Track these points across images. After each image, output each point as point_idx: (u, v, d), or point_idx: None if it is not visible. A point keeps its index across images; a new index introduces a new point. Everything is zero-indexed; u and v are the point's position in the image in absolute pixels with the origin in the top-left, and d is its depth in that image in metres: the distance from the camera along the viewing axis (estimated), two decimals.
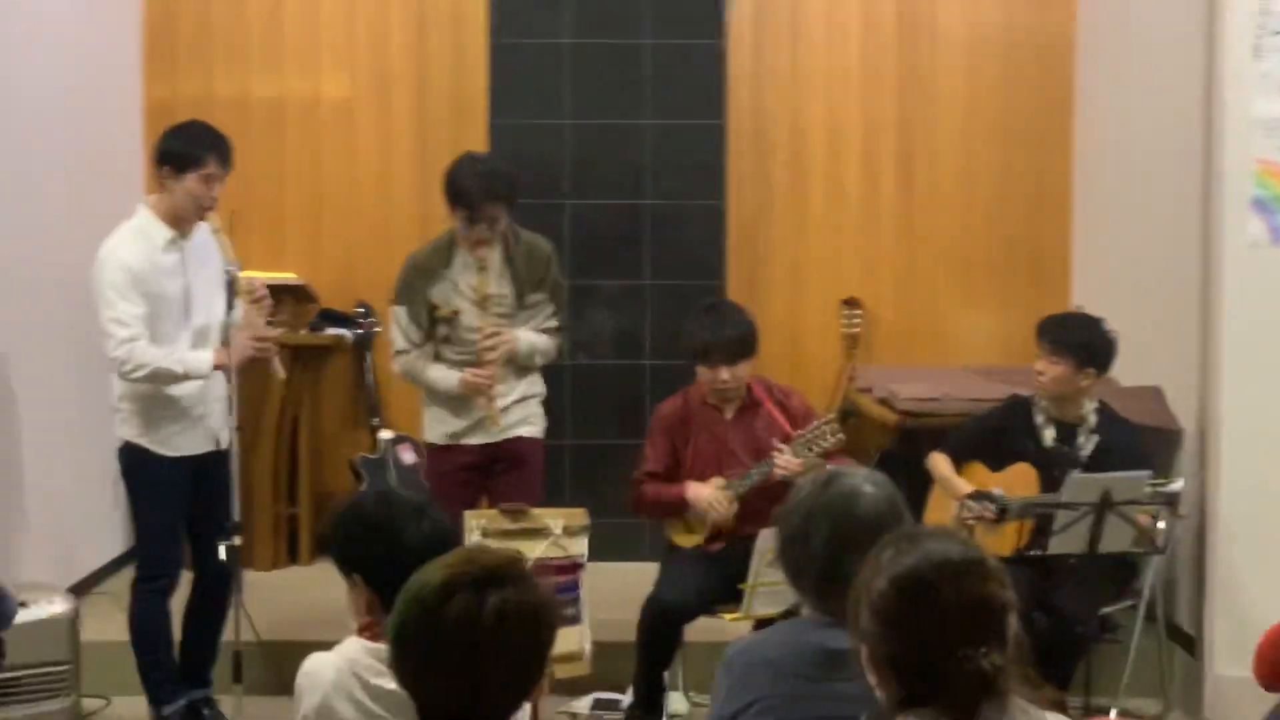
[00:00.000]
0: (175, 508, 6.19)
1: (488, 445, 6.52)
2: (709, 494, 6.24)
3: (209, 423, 6.21)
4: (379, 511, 3.83)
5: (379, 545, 3.73)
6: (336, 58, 8.81)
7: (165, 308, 6.03)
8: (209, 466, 6.22)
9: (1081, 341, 6.36)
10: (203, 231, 6.20)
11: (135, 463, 6.15)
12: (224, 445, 6.24)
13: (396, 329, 6.54)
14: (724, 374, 6.23)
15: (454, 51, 8.77)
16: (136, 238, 6.04)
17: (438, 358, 6.52)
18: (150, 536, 6.23)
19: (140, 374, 5.95)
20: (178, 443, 6.14)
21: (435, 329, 6.48)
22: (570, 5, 8.38)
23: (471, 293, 6.40)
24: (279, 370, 6.32)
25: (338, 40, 8.81)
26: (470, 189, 6.26)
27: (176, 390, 6.07)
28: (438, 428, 6.59)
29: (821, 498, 3.52)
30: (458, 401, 6.48)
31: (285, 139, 8.80)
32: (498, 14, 8.43)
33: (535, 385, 6.66)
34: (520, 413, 6.58)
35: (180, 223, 6.09)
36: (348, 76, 8.82)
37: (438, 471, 6.65)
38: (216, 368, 6.04)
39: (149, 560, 6.25)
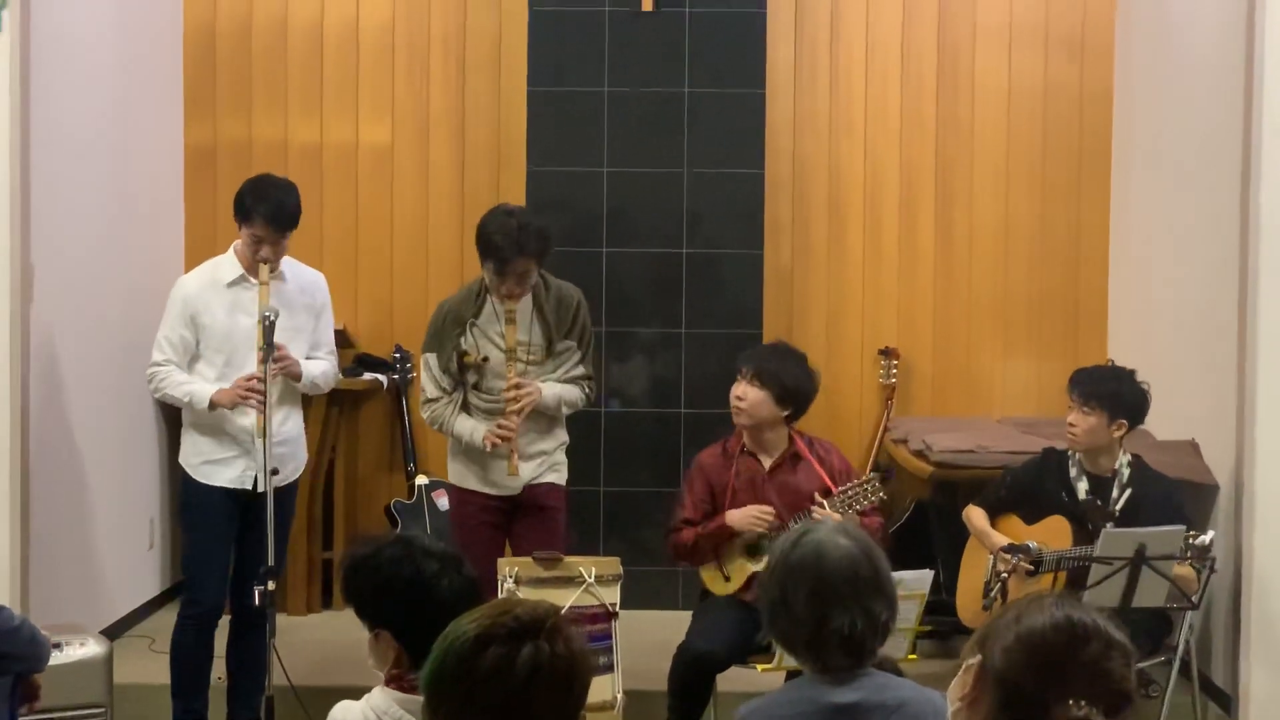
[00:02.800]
0: (212, 537, 6.34)
1: (513, 496, 6.48)
2: (750, 508, 6.22)
3: (249, 462, 6.28)
4: (407, 566, 3.80)
5: (410, 601, 3.73)
6: (376, 103, 8.86)
7: (217, 341, 6.30)
8: (255, 508, 6.29)
9: (1113, 392, 6.36)
10: (298, 279, 6.49)
11: (183, 487, 6.44)
12: (262, 488, 6.25)
13: (427, 376, 6.53)
14: (740, 388, 6.25)
15: (493, 98, 8.81)
16: (208, 270, 6.44)
17: (465, 405, 6.50)
18: (188, 564, 6.46)
19: (157, 396, 6.46)
20: (208, 471, 6.32)
21: (465, 376, 6.48)
22: (609, 53, 8.41)
23: (501, 340, 6.40)
24: (256, 428, 6.21)
25: (377, 86, 8.86)
26: (500, 244, 6.22)
27: (219, 424, 6.27)
28: (466, 475, 6.56)
29: (793, 559, 3.52)
30: (486, 454, 6.47)
31: (324, 184, 8.84)
32: (537, 61, 8.46)
33: (561, 434, 6.64)
34: (549, 460, 6.56)
35: (251, 266, 6.34)
36: (387, 122, 8.87)
37: (463, 517, 6.61)
38: (213, 406, 6.23)
39: (186, 586, 6.48)
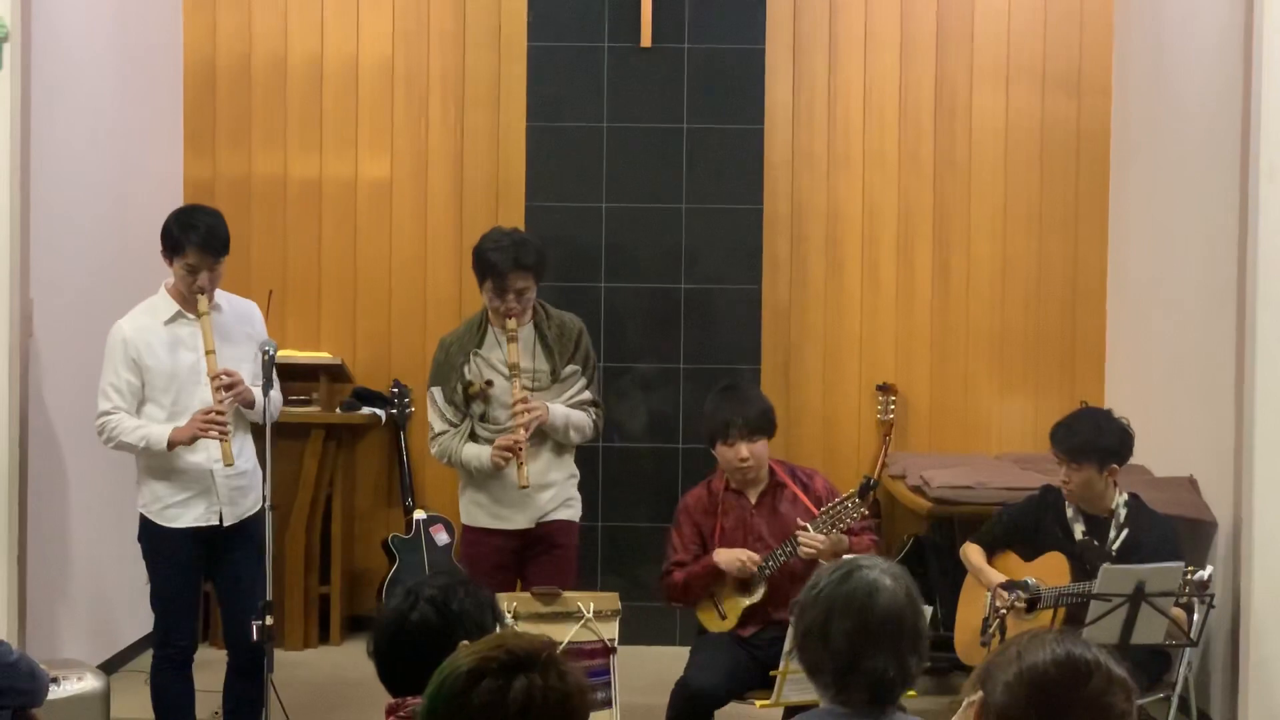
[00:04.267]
0: (179, 577, 6.26)
1: (525, 530, 6.46)
2: (737, 550, 6.21)
3: (211, 498, 6.23)
4: (385, 605, 3.88)
5: (380, 638, 3.78)
6: (375, 139, 8.88)
7: (163, 381, 6.17)
8: (225, 542, 6.27)
9: (1094, 442, 6.33)
10: (234, 309, 6.35)
11: (143, 532, 6.29)
12: (226, 521, 6.24)
13: (433, 411, 6.52)
14: (743, 450, 6.21)
15: (492, 133, 8.83)
16: (143, 311, 6.27)
17: (473, 437, 6.49)
18: (157, 604, 6.34)
19: (110, 445, 6.21)
20: (172, 514, 6.21)
21: (470, 407, 6.48)
22: (608, 89, 8.43)
23: (504, 368, 6.39)
24: (225, 456, 6.13)
25: (376, 121, 8.88)
26: (497, 260, 6.28)
27: (173, 464, 6.15)
28: (475, 511, 6.56)
29: (840, 592, 3.49)
30: (495, 483, 6.43)
31: (323, 219, 8.87)
32: (536, 96, 8.49)
33: (571, 467, 6.62)
34: (561, 495, 6.54)
35: (188, 300, 6.22)
36: (386, 157, 8.88)
37: (473, 555, 6.55)
38: (171, 445, 6.10)
39: (157, 628, 6.38)
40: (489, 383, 6.40)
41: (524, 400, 6.28)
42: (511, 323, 6.32)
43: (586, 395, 6.54)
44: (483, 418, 6.43)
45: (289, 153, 8.89)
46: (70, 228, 7.26)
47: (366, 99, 8.89)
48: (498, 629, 3.80)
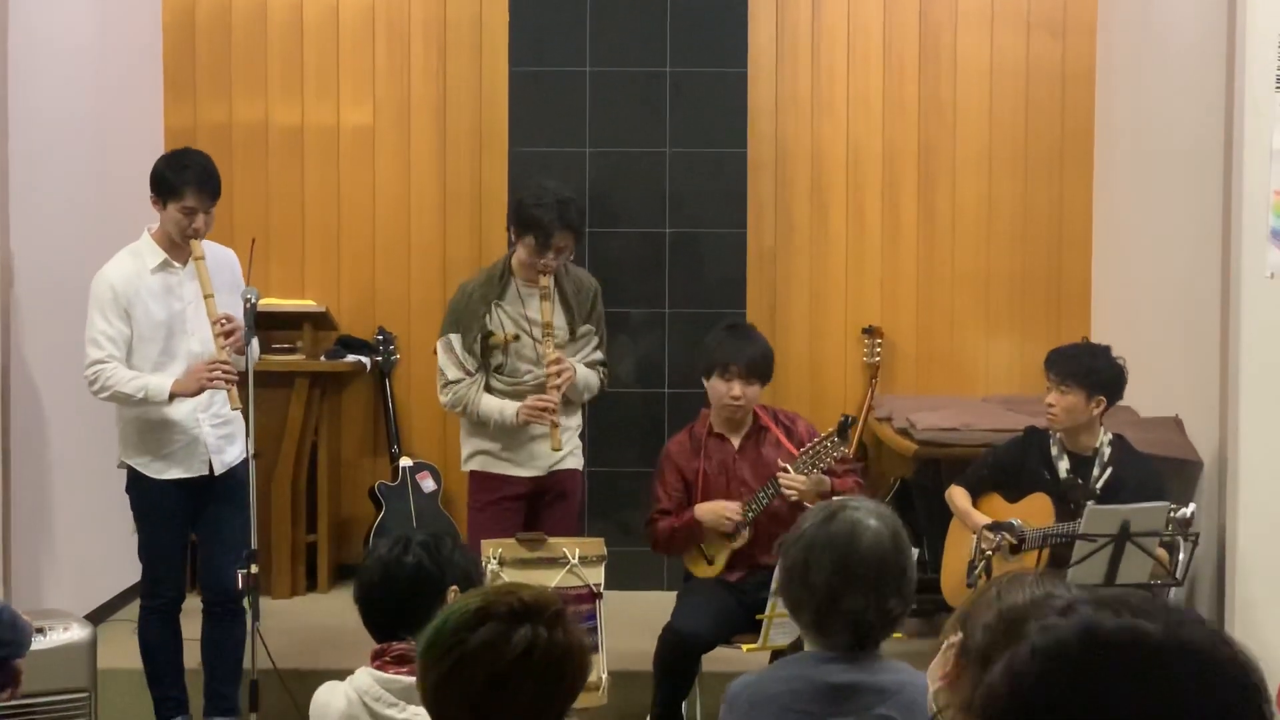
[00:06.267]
0: (167, 529, 6.28)
1: (537, 478, 6.47)
2: (717, 506, 6.22)
3: (199, 447, 6.23)
4: (372, 550, 3.93)
5: (367, 580, 3.81)
6: (357, 85, 8.83)
7: (151, 330, 6.13)
8: (210, 491, 6.27)
9: (1089, 369, 6.35)
10: (214, 257, 6.27)
11: (130, 483, 6.29)
12: (216, 471, 6.24)
13: (448, 359, 6.44)
14: (736, 389, 6.22)
15: (474, 79, 8.78)
16: (128, 258, 6.19)
17: (487, 389, 6.46)
18: (145, 556, 6.36)
19: (103, 395, 6.12)
20: (161, 466, 6.21)
21: (488, 358, 6.45)
22: (591, 33, 8.39)
23: (526, 322, 6.37)
24: (232, 401, 6.12)
25: (358, 67, 8.83)
26: (543, 218, 6.23)
27: (159, 415, 6.13)
28: (485, 459, 6.51)
29: (824, 531, 3.50)
30: (507, 433, 6.42)
31: (305, 166, 8.83)
32: (518, 42, 8.45)
33: (577, 417, 6.64)
34: (569, 443, 6.54)
35: (174, 248, 6.17)
36: (368, 104, 8.84)
37: (481, 502, 6.54)
38: (173, 396, 6.05)
39: (144, 578, 6.41)
40: (516, 337, 6.37)
41: (558, 360, 6.28)
42: (546, 280, 6.29)
43: (598, 355, 6.55)
44: (498, 369, 6.41)
45: (270, 100, 8.84)
46: (50, 177, 7.21)
47: (348, 45, 8.84)
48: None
